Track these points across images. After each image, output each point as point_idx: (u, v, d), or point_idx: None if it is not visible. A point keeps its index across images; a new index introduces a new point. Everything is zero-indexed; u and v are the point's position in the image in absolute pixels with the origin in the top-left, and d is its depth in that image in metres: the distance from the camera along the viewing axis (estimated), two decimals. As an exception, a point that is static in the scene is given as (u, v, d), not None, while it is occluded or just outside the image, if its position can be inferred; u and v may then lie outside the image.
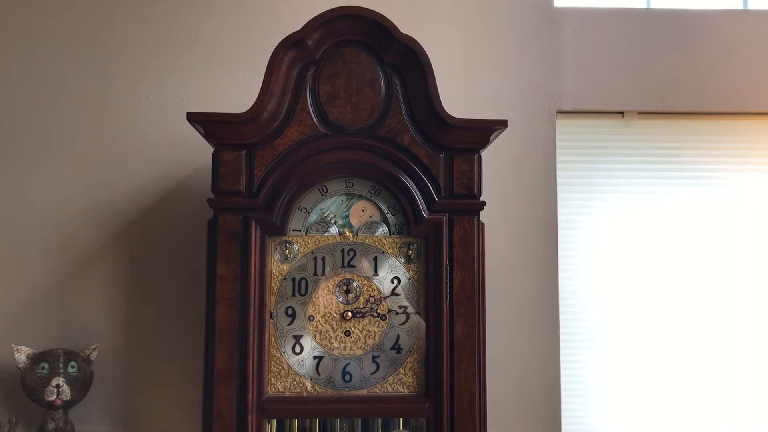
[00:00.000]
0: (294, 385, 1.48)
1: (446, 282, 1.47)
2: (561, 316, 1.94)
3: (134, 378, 1.84)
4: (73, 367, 1.72)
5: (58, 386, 1.69)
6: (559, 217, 1.97)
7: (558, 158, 1.98)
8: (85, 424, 1.79)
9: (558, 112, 1.99)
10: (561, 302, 1.94)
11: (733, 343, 2.02)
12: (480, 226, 1.50)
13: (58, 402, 1.69)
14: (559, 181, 1.98)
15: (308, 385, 1.48)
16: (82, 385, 1.73)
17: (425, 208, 1.49)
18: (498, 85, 1.98)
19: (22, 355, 1.72)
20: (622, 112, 2.02)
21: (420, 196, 1.48)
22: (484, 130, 1.48)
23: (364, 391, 1.48)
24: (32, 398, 1.70)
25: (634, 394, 1.98)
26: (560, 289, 1.95)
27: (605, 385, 1.98)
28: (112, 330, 1.85)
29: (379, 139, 1.49)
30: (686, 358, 2.00)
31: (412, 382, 1.49)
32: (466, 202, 1.49)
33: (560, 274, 1.95)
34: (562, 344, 1.94)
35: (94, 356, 1.76)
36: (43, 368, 1.70)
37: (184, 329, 1.83)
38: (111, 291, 1.86)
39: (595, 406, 1.97)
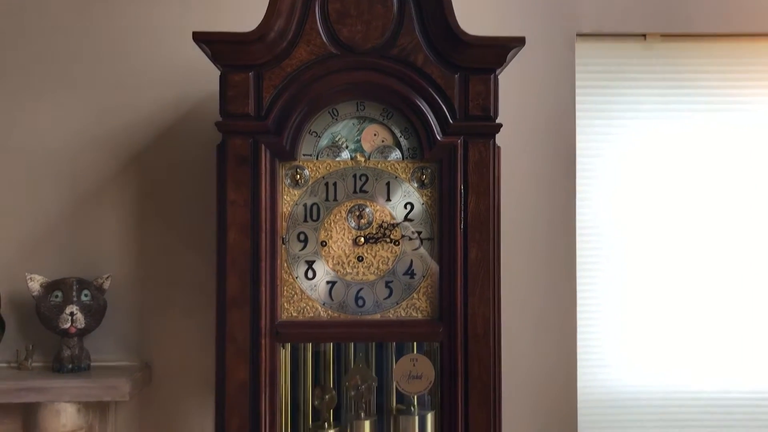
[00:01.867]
0: (307, 309, 1.47)
1: (460, 207, 1.44)
2: (578, 246, 1.91)
3: (148, 307, 1.84)
4: (86, 295, 1.72)
5: (72, 314, 1.69)
6: (578, 144, 1.92)
7: (577, 83, 1.91)
8: (100, 352, 1.80)
9: (577, 35, 1.92)
10: (578, 231, 1.91)
11: (759, 280, 1.98)
12: (496, 149, 1.46)
13: (73, 330, 1.70)
14: (578, 107, 1.92)
15: (321, 309, 1.47)
16: (95, 314, 1.73)
17: (439, 131, 1.44)
18: (515, 6, 1.90)
19: (35, 283, 1.72)
20: (644, 35, 1.95)
21: (434, 119, 1.44)
22: (502, 48, 1.42)
23: (378, 316, 1.47)
24: (47, 326, 1.71)
25: (652, 328, 1.96)
26: (578, 218, 1.91)
27: (622, 315, 1.96)
28: (125, 259, 1.84)
29: (392, 59, 1.44)
30: (706, 294, 1.97)
31: (426, 307, 1.47)
32: (482, 125, 1.45)
33: (578, 203, 1.91)
34: (578, 273, 1.91)
35: (107, 285, 1.76)
36: (56, 296, 1.70)
37: (197, 257, 1.82)
38: (122, 220, 1.84)
39: (610, 337, 1.96)
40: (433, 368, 1.47)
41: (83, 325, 1.70)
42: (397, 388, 1.51)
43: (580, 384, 1.90)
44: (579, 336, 1.91)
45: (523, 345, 1.87)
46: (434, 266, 1.47)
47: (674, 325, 1.96)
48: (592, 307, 1.95)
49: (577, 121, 1.92)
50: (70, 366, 1.71)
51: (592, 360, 1.94)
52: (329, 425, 1.55)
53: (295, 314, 1.47)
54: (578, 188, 1.92)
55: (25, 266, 1.78)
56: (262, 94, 1.43)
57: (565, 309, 1.89)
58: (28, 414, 1.64)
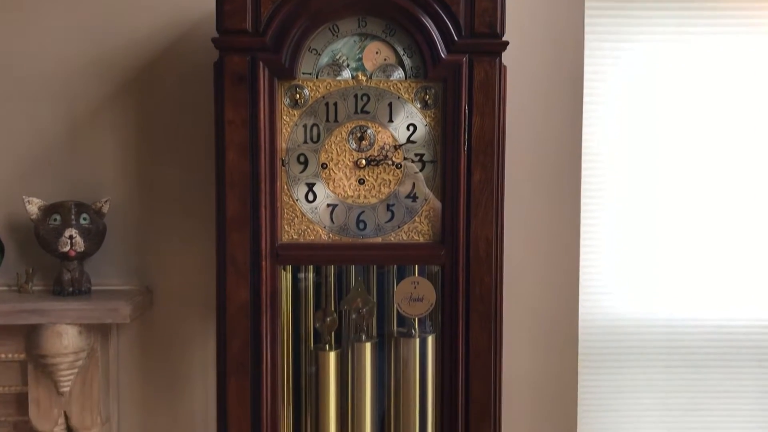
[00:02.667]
0: (308, 232, 1.45)
1: (465, 128, 1.40)
2: (583, 171, 1.87)
3: (147, 231, 1.82)
4: (85, 219, 1.70)
5: (71, 237, 1.68)
6: (586, 68, 1.86)
7: (586, 2, 1.85)
8: (101, 276, 1.79)
9: (587, -51, 1.85)
10: (584, 156, 1.87)
11: (766, 209, 1.95)
12: (502, 68, 1.42)
13: (72, 253, 1.68)
14: (587, 29, 1.85)
15: (322, 233, 1.45)
16: (95, 237, 1.72)
17: (444, 48, 1.40)
18: None
19: (33, 206, 1.70)
20: (658, -49, 1.87)
21: (438, 35, 1.39)
22: (509, -39, 1.37)
23: (379, 240, 1.46)
24: (46, 249, 1.70)
25: (655, 255, 1.95)
26: (583, 143, 1.87)
27: (625, 242, 1.94)
28: (123, 183, 1.81)
29: (395, -28, 1.38)
30: (711, 221, 1.95)
31: (428, 230, 1.46)
32: (488, 42, 1.40)
33: (584, 128, 1.87)
34: (582, 199, 1.88)
35: (105, 209, 1.74)
36: (55, 219, 1.68)
37: (197, 180, 1.79)
38: (120, 143, 1.81)
39: (612, 264, 1.95)
40: (434, 291, 1.47)
41: (83, 249, 1.69)
42: (397, 311, 1.51)
43: (581, 311, 1.90)
44: (581, 263, 1.89)
45: (525, 270, 1.85)
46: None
47: (678, 253, 1.95)
48: (595, 234, 1.93)
49: (586, 44, 1.86)
50: (70, 289, 1.71)
51: (594, 287, 1.94)
52: (330, 347, 1.55)
53: (295, 237, 1.45)
54: (585, 113, 1.87)
55: (23, 190, 1.75)
56: (260, 9, 1.37)
57: (568, 235, 1.87)
58: (30, 336, 1.64)
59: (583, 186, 1.89)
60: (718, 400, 1.97)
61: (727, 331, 1.97)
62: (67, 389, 1.68)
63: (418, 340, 1.55)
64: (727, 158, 1.93)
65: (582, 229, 1.89)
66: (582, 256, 1.89)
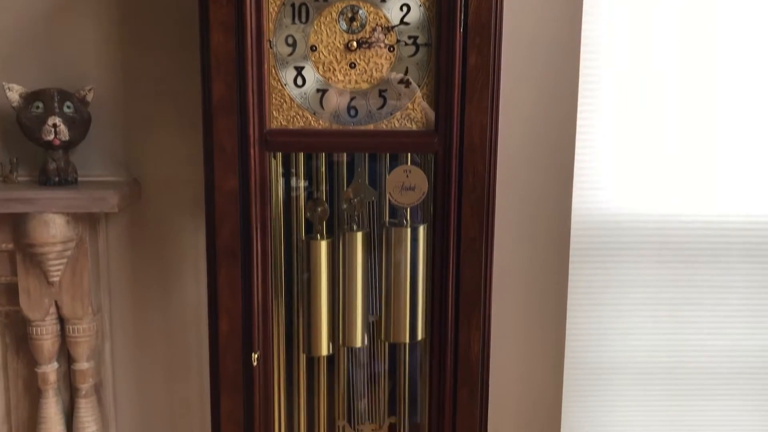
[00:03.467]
0: (297, 118, 1.41)
1: (460, 8, 1.34)
2: (581, 61, 1.82)
3: (133, 120, 1.77)
4: (68, 107, 1.65)
5: (55, 125, 1.63)
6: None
7: None
8: (87, 168, 1.75)
9: None
10: (582, 44, 1.81)
11: (762, 104, 1.91)
12: (500, -57, 1.34)
13: (57, 142, 1.64)
14: None
15: (312, 119, 1.41)
16: (79, 126, 1.68)
17: None
18: None
19: (14, 93, 1.64)
20: None
21: None
22: None
23: (371, 126, 1.42)
24: (30, 138, 1.66)
25: (650, 151, 1.91)
26: (582, 31, 1.80)
27: (620, 137, 1.91)
28: (107, 72, 1.75)
29: None
30: (707, 116, 1.91)
31: (421, 118, 1.41)
32: None
33: (584, 16, 1.80)
34: (579, 90, 1.83)
35: (89, 97, 1.69)
36: (37, 107, 1.64)
37: (183, 68, 1.73)
38: (102, 29, 1.74)
39: (607, 159, 1.92)
40: (427, 180, 1.44)
41: (67, 138, 1.65)
42: (389, 200, 1.48)
43: (575, 205, 1.89)
44: (576, 157, 1.86)
45: (519, 160, 1.82)
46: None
47: (674, 149, 1.92)
48: (592, 128, 1.89)
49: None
50: (56, 179, 1.67)
51: (588, 182, 1.91)
52: (321, 237, 1.54)
53: (284, 123, 1.41)
54: (584, 4, 1.80)
55: (2, 76, 1.69)
56: None
57: (564, 129, 1.83)
58: (18, 225, 1.62)
59: (581, 79, 1.83)
60: (708, 294, 1.99)
61: (719, 227, 1.96)
62: (56, 279, 1.68)
63: (409, 230, 1.53)
64: (725, 50, 1.88)
65: (578, 122, 1.85)
66: (577, 151, 1.86)
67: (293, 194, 1.55)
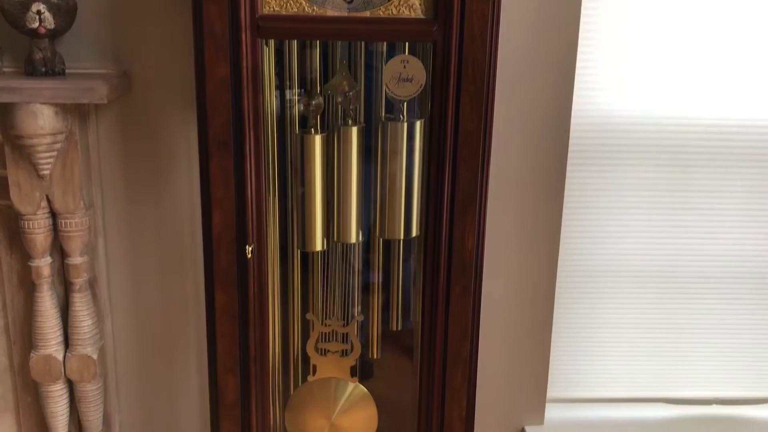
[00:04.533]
0: (290, 4, 1.35)
1: None
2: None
3: (122, 10, 1.70)
4: (53, -7, 1.59)
5: (39, 12, 1.57)
6: None
7: None
8: (75, 60, 1.70)
9: None
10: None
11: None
12: None
13: (42, 30, 1.59)
14: None
15: (305, 4, 1.35)
16: (65, 14, 1.61)
17: None
18: None
19: (-5, -23, 1.58)
20: None
21: None
22: None
23: (367, 13, 1.36)
24: (14, 26, 1.60)
25: (652, 51, 1.86)
26: None
27: (622, 37, 1.85)
28: (92, -44, 1.68)
29: None
30: (708, 15, 1.84)
31: (420, 4, 1.36)
32: None
33: None
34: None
35: (74, -16, 1.62)
36: (20, -4, 1.57)
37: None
38: None
39: (609, 60, 1.86)
40: (425, 71, 1.40)
41: (53, 26, 1.59)
42: (386, 94, 1.45)
43: (574, 106, 1.85)
44: (579, 56, 1.81)
45: (520, 56, 1.77)
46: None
47: (676, 50, 1.87)
48: (594, 27, 1.83)
49: None
50: (43, 69, 1.62)
51: (589, 82, 1.87)
52: (316, 131, 1.51)
53: (277, 9, 1.35)
54: None
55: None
56: None
57: (566, 24, 1.77)
58: (5, 116, 1.58)
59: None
60: (706, 199, 1.98)
61: (720, 130, 1.93)
62: (47, 172, 1.65)
63: (405, 125, 1.50)
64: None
65: (581, 20, 1.79)
66: (580, 50, 1.81)
67: (287, 87, 1.51)
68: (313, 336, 1.67)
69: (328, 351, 1.68)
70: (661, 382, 2.15)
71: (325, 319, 1.68)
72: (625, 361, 2.12)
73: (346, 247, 1.65)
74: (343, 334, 1.69)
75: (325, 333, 1.68)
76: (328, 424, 1.68)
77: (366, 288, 1.72)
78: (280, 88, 1.52)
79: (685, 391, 2.16)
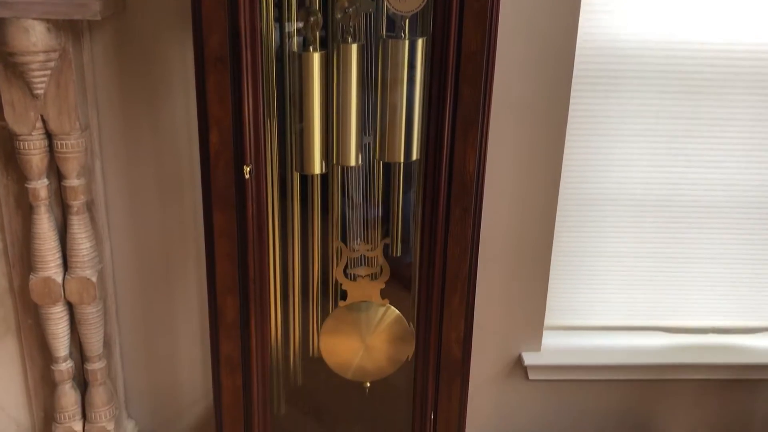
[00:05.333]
0: None
1: None
2: None
3: None
4: None
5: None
6: None
7: None
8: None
9: None
10: None
11: None
12: None
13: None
14: None
15: None
16: (55, -74, 1.56)
17: None
18: None
19: None
20: None
21: None
22: None
23: (368, -77, 1.31)
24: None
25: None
26: None
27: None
28: None
29: None
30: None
31: None
32: None
33: None
34: None
35: None
36: None
37: None
38: None
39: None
40: (427, -11, 1.35)
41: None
42: (387, 9, 1.40)
43: (580, 30, 1.80)
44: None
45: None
46: None
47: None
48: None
49: None
50: (34, -16, 1.58)
51: (595, 4, 1.82)
52: (314, 49, 1.47)
53: None
54: None
55: None
56: None
57: None
58: (-4, 32, 1.55)
59: None
60: (709, 127, 1.95)
61: (727, 56, 1.88)
62: (41, 92, 1.62)
63: (407, 43, 1.46)
64: None
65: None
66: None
67: (285, 2, 1.47)
68: (342, 262, 1.67)
69: (358, 276, 1.68)
70: (659, 311, 2.16)
71: (352, 243, 1.67)
72: (624, 289, 2.13)
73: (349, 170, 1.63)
74: (370, 257, 1.68)
75: (352, 258, 1.68)
76: (363, 346, 1.70)
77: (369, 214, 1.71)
78: (278, 4, 1.48)
79: (682, 320, 2.18)
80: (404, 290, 1.76)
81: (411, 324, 1.69)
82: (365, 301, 1.68)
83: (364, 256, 1.68)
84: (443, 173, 1.46)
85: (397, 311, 1.69)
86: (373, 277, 1.68)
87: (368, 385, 1.74)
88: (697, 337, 2.18)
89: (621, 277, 2.11)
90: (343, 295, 1.68)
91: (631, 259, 2.09)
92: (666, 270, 2.11)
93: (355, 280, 1.68)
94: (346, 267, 1.68)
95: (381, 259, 1.67)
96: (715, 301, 2.16)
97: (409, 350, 1.71)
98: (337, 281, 1.69)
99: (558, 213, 1.95)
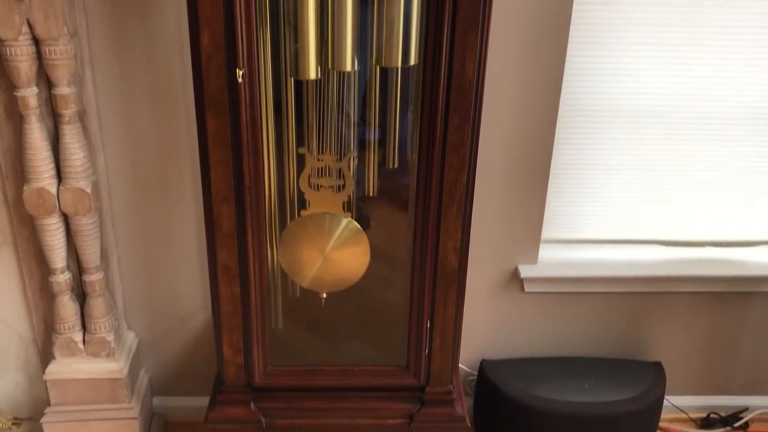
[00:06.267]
0: None
1: None
2: None
3: None
4: None
5: None
6: None
7: None
8: None
9: None
10: None
11: None
12: None
13: None
14: None
15: None
16: None
17: None
18: None
19: None
20: None
21: None
22: None
23: None
24: None
25: None
26: None
27: None
28: None
29: None
30: None
31: None
32: None
33: None
34: None
35: None
36: None
37: None
38: None
39: None
40: None
41: None
42: None
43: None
44: None
45: None
46: None
47: None
48: None
49: None
50: None
51: None
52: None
53: None
54: None
55: None
56: None
57: None
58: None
59: None
60: (715, 36, 1.89)
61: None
62: (25, -7, 1.57)
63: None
64: None
65: None
66: None
67: None
68: (306, 171, 1.64)
69: (322, 186, 1.66)
70: (657, 224, 2.16)
71: (319, 154, 1.65)
72: (622, 203, 2.12)
73: (343, 78, 1.59)
74: (338, 169, 1.66)
75: (319, 168, 1.65)
76: (321, 257, 1.69)
77: (364, 124, 1.68)
78: None
79: (680, 233, 2.18)
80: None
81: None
82: (327, 213, 1.66)
83: (329, 167, 1.65)
84: (442, 78, 1.43)
85: (359, 225, 1.66)
86: (338, 189, 1.65)
87: (324, 296, 1.74)
88: (694, 251, 2.18)
89: (620, 190, 2.10)
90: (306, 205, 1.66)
91: (630, 172, 2.07)
92: (664, 183, 2.09)
93: (318, 190, 1.65)
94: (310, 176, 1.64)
95: (346, 172, 1.64)
96: (713, 215, 2.15)
97: (365, 264, 1.69)
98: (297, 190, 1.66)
99: (558, 124, 1.92)
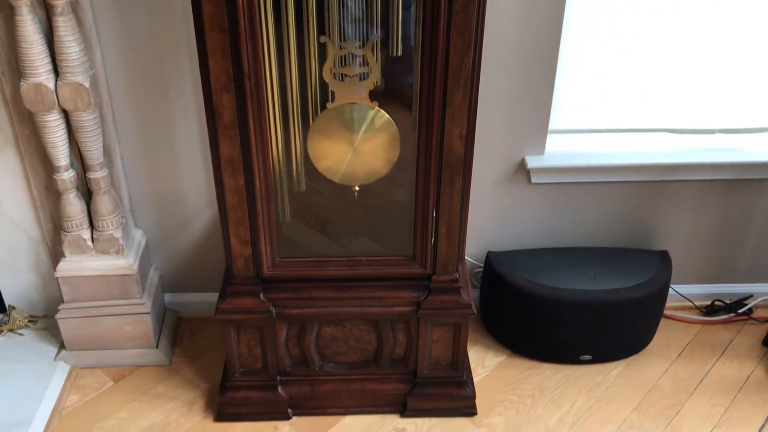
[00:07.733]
0: None
1: None
2: None
3: None
4: None
5: None
6: None
7: None
8: None
9: None
10: None
11: None
12: None
13: None
14: None
15: None
16: None
17: None
18: None
19: None
20: None
21: None
22: None
23: None
24: None
25: None
26: None
27: None
28: None
29: None
30: None
31: None
32: None
33: None
34: None
35: None
36: None
37: None
38: None
39: None
40: None
41: None
42: None
43: None
44: None
45: None
46: None
47: None
48: None
49: None
50: None
51: None
52: None
53: None
54: None
55: None
56: None
57: None
58: None
59: None
60: None
61: None
62: None
63: None
64: None
65: None
66: None
67: None
68: (329, 61, 1.59)
69: (346, 75, 1.60)
70: (666, 112, 2.11)
71: (342, 41, 1.58)
72: (631, 91, 2.07)
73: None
74: (362, 56, 1.59)
75: (342, 56, 1.59)
76: (351, 150, 1.66)
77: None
78: None
79: (689, 121, 2.13)
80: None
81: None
82: (354, 103, 1.62)
83: (352, 54, 1.59)
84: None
85: (387, 114, 1.63)
86: (362, 77, 1.60)
87: (357, 189, 1.74)
88: (703, 138, 2.15)
89: (628, 78, 2.04)
90: (332, 97, 1.62)
91: (639, 60, 2.01)
92: (674, 70, 2.03)
93: (343, 80, 1.60)
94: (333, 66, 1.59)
95: (370, 59, 1.58)
96: (721, 102, 2.10)
97: (396, 152, 1.67)
98: (319, 82, 1.61)
99: (566, 9, 1.85)
